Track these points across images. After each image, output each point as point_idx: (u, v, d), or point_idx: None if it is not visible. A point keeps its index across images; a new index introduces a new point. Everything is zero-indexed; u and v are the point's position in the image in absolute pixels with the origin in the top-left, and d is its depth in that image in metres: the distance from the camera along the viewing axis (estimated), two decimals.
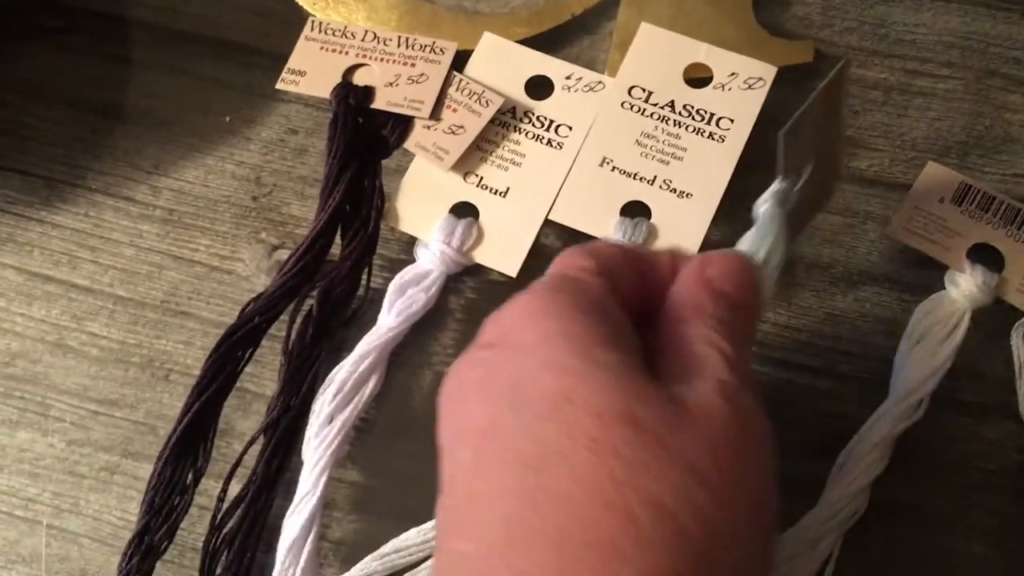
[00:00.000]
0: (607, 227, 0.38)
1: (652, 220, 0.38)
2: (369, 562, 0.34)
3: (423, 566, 0.34)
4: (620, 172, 0.39)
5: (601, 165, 0.39)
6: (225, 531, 0.34)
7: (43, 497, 0.38)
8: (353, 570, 0.34)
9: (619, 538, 0.23)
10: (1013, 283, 0.37)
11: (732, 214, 0.38)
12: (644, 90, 0.40)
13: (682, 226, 0.38)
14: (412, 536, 0.34)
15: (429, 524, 0.34)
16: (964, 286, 0.36)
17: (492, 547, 0.24)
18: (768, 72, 0.39)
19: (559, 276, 0.28)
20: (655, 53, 0.40)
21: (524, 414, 0.24)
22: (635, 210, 0.39)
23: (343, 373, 0.36)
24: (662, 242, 0.38)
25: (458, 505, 0.25)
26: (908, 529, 0.35)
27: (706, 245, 0.38)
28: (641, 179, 0.39)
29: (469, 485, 0.25)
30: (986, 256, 0.37)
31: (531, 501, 0.23)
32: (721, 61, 0.40)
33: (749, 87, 0.39)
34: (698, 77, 0.40)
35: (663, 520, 0.23)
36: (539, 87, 0.41)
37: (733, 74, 0.39)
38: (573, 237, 0.39)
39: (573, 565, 0.23)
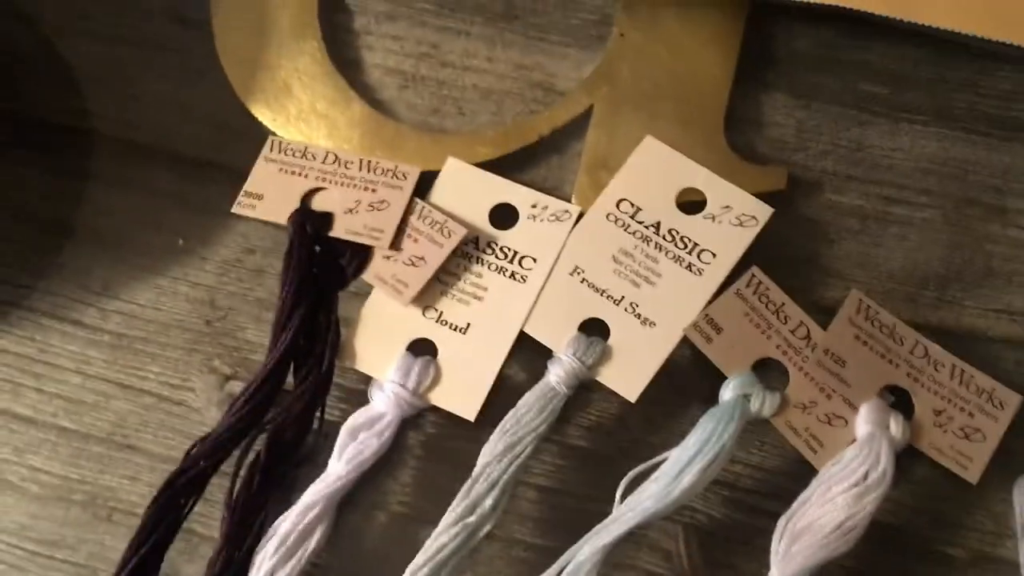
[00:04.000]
0: (561, 342, 0.37)
1: (609, 342, 0.37)
2: None
3: None
4: (588, 285, 0.38)
5: (572, 274, 0.38)
6: None
7: None
8: None
9: None
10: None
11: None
12: (633, 205, 0.38)
13: (637, 355, 0.37)
14: None
15: None
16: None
17: None
18: (763, 212, 0.38)
19: None
20: (653, 169, 0.39)
21: None
22: (594, 328, 0.37)
23: (287, 525, 0.34)
24: (613, 368, 0.37)
25: None
26: None
27: (655, 379, 0.37)
28: (608, 297, 0.37)
29: None
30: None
31: None
32: (718, 190, 0.38)
33: (740, 224, 0.38)
34: (691, 201, 0.39)
35: None
36: (504, 215, 0.40)
37: (727, 207, 0.38)
38: (536, 368, 0.38)
39: None
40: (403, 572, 0.34)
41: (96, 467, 0.38)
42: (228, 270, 0.41)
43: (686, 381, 0.38)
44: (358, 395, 0.38)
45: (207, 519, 0.37)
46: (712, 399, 0.37)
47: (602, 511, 0.36)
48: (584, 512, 0.37)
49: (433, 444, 0.38)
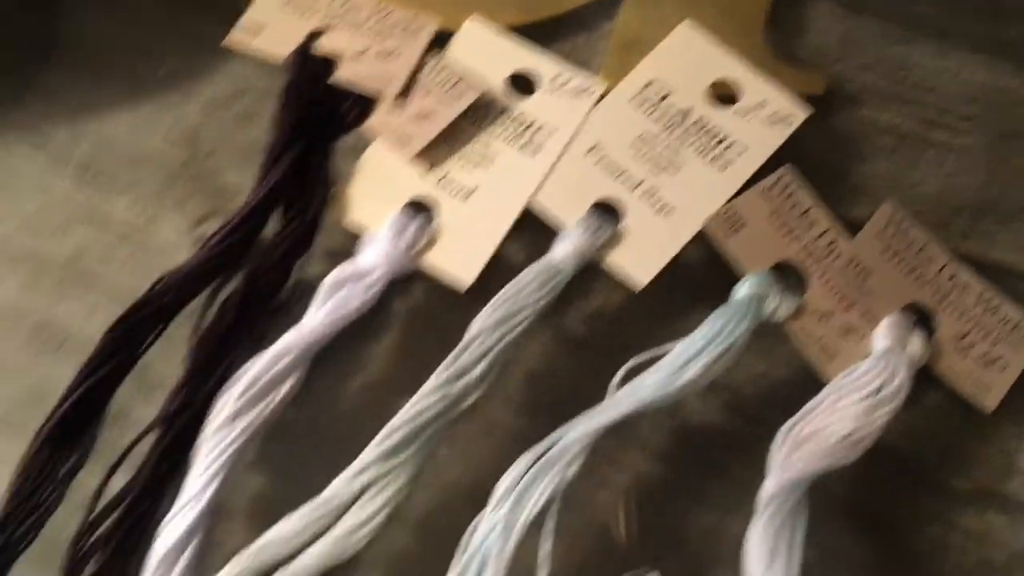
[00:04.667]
0: (572, 219, 0.34)
1: (621, 226, 0.34)
2: (237, 561, 0.29)
3: (295, 562, 0.30)
4: (605, 166, 0.35)
5: (588, 152, 0.35)
6: (100, 531, 0.30)
7: None
8: (224, 569, 0.30)
9: None
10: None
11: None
12: (661, 89, 0.36)
13: (649, 242, 0.34)
14: (282, 527, 0.30)
15: (300, 511, 0.30)
16: None
17: None
18: (799, 113, 0.35)
19: None
20: (687, 55, 0.37)
21: None
22: (606, 209, 0.35)
23: (256, 369, 0.31)
24: (623, 252, 0.34)
25: None
26: None
27: (661, 275, 0.34)
28: (625, 180, 0.35)
29: None
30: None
31: None
32: (754, 86, 0.36)
33: (773, 122, 0.35)
34: (724, 93, 0.36)
35: None
36: (523, 83, 0.37)
37: (762, 104, 0.35)
38: (537, 250, 0.35)
39: None
40: (374, 437, 0.31)
41: (50, 296, 0.35)
42: (215, 109, 0.38)
43: (694, 282, 0.36)
44: (340, 259, 0.35)
45: (167, 362, 0.34)
46: (720, 303, 0.35)
47: (592, 402, 0.34)
48: (573, 401, 0.34)
49: (421, 314, 0.35)
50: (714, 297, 0.35)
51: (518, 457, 0.31)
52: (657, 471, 0.34)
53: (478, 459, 0.34)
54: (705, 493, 0.34)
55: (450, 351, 0.34)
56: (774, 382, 0.35)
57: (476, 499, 0.33)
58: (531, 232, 0.36)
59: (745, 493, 0.33)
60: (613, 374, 0.33)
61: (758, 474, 0.33)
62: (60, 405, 0.31)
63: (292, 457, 0.33)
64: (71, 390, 0.31)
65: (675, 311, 0.36)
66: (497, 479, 0.32)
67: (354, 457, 0.31)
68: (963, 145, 0.38)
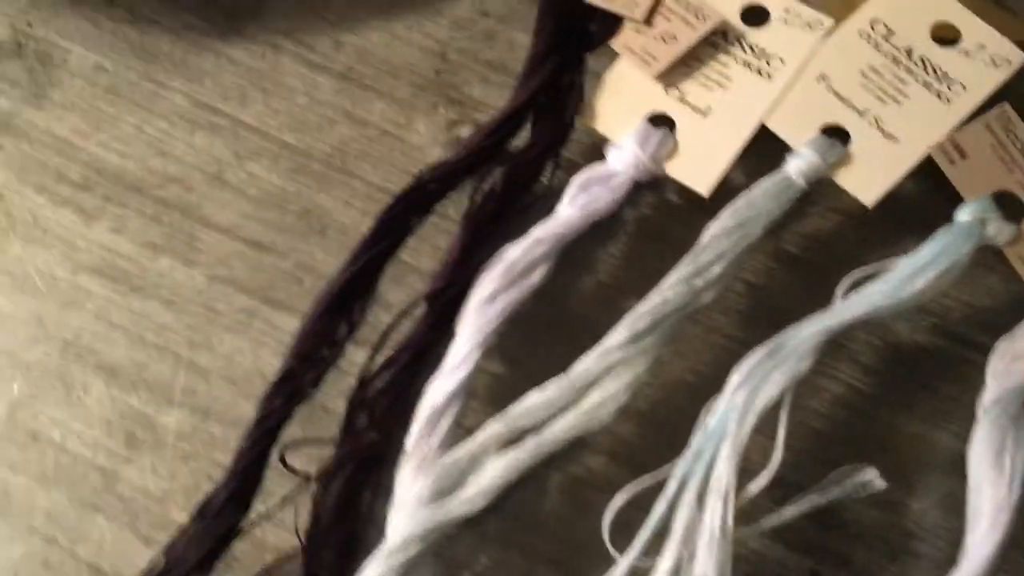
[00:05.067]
0: (801, 139, 0.36)
1: (849, 148, 0.37)
2: (494, 424, 0.32)
3: (545, 429, 0.33)
4: (834, 93, 0.37)
5: (818, 80, 0.37)
6: (372, 389, 0.33)
7: (176, 327, 0.36)
8: (478, 433, 0.32)
9: None
10: None
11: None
12: (886, 27, 0.38)
13: (876, 166, 0.36)
14: (535, 398, 0.33)
15: (551, 385, 0.33)
16: None
17: None
18: (1017, 56, 0.37)
19: None
20: None
21: None
22: (833, 134, 0.37)
23: (516, 252, 0.34)
24: (848, 174, 0.36)
25: None
26: None
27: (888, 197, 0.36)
28: (852, 107, 0.37)
29: None
30: None
31: None
32: (974, 29, 0.38)
33: (993, 64, 0.37)
34: (944, 35, 0.38)
35: None
36: (755, 15, 0.39)
37: (982, 46, 0.37)
38: (759, 174, 0.37)
39: None
40: (601, 333, 0.34)
41: (314, 184, 0.38)
42: (462, 27, 0.41)
43: (906, 212, 0.38)
44: (579, 166, 0.38)
45: (416, 252, 0.37)
46: (930, 230, 0.36)
47: (806, 314, 0.36)
48: (789, 312, 0.36)
49: (647, 223, 0.38)
50: (919, 225, 0.37)
51: (736, 360, 0.34)
52: (868, 383, 0.36)
53: (698, 360, 0.37)
54: (913, 406, 0.36)
55: (673, 256, 0.36)
56: (979, 308, 0.37)
57: (695, 394, 0.35)
58: (753, 157, 0.38)
59: (953, 407, 0.36)
60: (826, 289, 0.36)
61: (965, 391, 0.35)
62: (338, 279, 0.34)
63: (524, 345, 0.36)
64: (350, 264, 0.34)
65: (884, 238, 0.38)
66: (716, 379, 0.35)
67: (581, 348, 0.34)
68: None
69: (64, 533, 0.33)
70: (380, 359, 0.33)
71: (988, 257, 0.36)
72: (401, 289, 0.37)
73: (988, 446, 0.32)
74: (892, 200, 0.37)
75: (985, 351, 0.35)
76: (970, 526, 0.31)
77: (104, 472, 0.34)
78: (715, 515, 0.31)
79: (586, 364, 0.33)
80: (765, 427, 0.32)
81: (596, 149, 0.37)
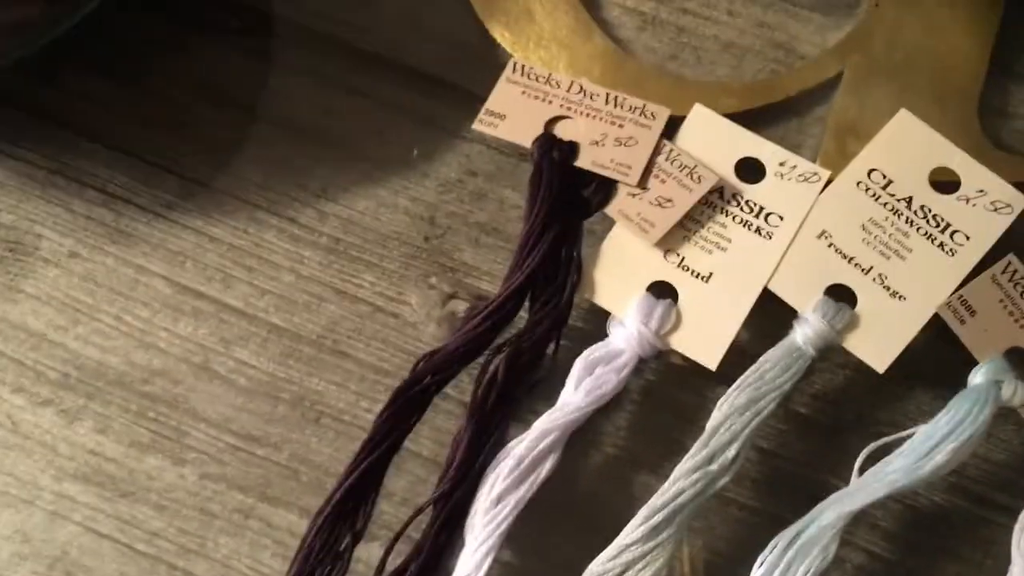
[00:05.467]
0: (806, 302, 0.36)
1: (856, 310, 0.36)
2: None
3: None
4: (836, 251, 0.36)
5: (819, 237, 0.37)
6: None
7: (168, 533, 0.35)
8: None
9: None
10: None
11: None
12: (884, 176, 0.37)
13: (886, 327, 0.36)
14: None
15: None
16: None
17: None
18: (1019, 200, 0.37)
19: None
20: (907, 143, 0.38)
21: None
22: (840, 294, 0.36)
23: (521, 449, 0.33)
24: (860, 336, 0.36)
25: None
26: None
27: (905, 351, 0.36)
28: (856, 265, 0.36)
29: None
30: None
31: None
32: (974, 174, 0.37)
33: (995, 210, 0.36)
34: (943, 181, 0.37)
35: None
36: (749, 170, 0.38)
37: (982, 191, 0.37)
38: (760, 330, 0.36)
39: None
40: (613, 512, 0.33)
41: (305, 369, 0.37)
42: (449, 189, 0.40)
43: (915, 365, 0.37)
44: (580, 334, 0.37)
45: (416, 436, 0.35)
46: (940, 385, 0.36)
47: (820, 480, 0.35)
48: (802, 479, 0.36)
49: (653, 391, 0.37)
50: (931, 378, 0.37)
51: (752, 531, 0.33)
52: (888, 549, 0.35)
53: (714, 535, 0.36)
54: (934, 573, 0.35)
55: (681, 425, 0.36)
56: (995, 463, 0.37)
57: (715, 572, 0.34)
58: (755, 313, 0.37)
59: (975, 572, 0.35)
60: (840, 450, 0.35)
61: (987, 556, 0.34)
62: (341, 485, 0.33)
63: (535, 529, 0.35)
64: (351, 469, 0.33)
65: (895, 393, 0.37)
66: (733, 555, 0.34)
67: (594, 529, 0.33)
68: None
69: None
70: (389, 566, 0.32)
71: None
72: (402, 478, 0.35)
73: None
74: (901, 352, 0.36)
75: (1003, 510, 0.35)
76: None
77: None
78: None
79: (602, 563, 0.32)
80: None
81: (596, 313, 0.36)
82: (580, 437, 0.36)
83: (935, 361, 0.36)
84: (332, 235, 0.39)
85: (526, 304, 0.36)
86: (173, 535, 0.35)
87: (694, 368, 0.36)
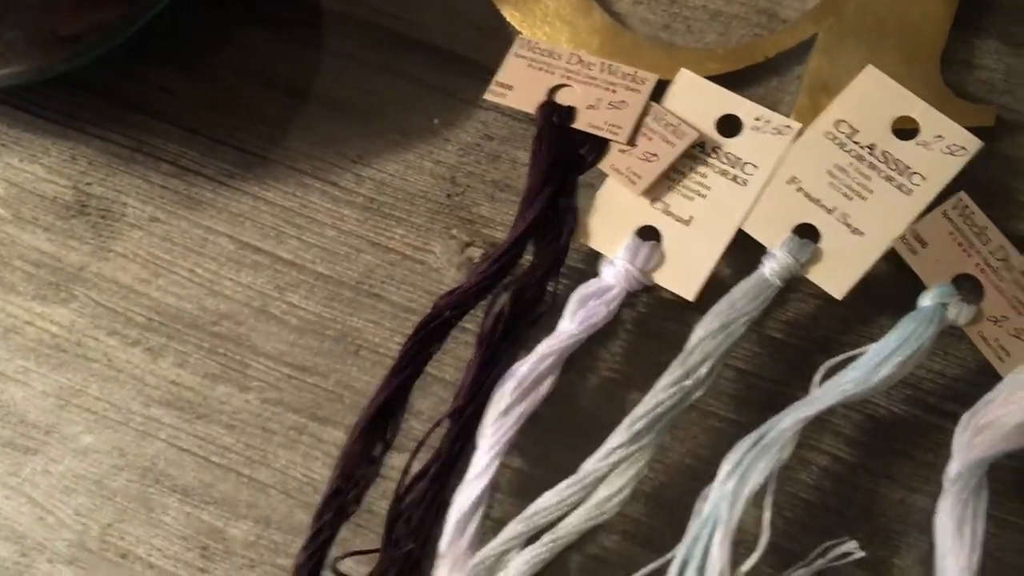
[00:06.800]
0: (776, 240, 0.41)
1: (819, 245, 0.41)
2: (515, 525, 0.37)
3: (560, 525, 0.37)
4: (804, 194, 0.41)
5: (789, 183, 0.41)
6: (407, 501, 0.38)
7: (237, 447, 0.42)
8: (501, 533, 0.37)
9: None
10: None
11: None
12: (850, 127, 0.42)
13: (845, 259, 0.40)
14: (549, 498, 0.37)
15: (563, 485, 0.37)
16: None
17: None
18: (973, 144, 0.41)
19: None
20: (872, 97, 0.42)
21: None
22: (807, 233, 0.41)
23: (524, 369, 0.39)
24: (821, 268, 0.40)
25: None
26: None
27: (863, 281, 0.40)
28: (821, 206, 0.41)
29: None
30: None
31: None
32: (932, 121, 0.42)
33: (951, 152, 0.41)
34: (905, 129, 0.42)
35: None
36: (728, 125, 0.43)
37: (939, 136, 0.41)
38: (741, 267, 0.41)
39: None
40: (608, 427, 0.38)
41: (346, 309, 0.43)
42: (468, 152, 0.46)
43: (880, 292, 0.42)
44: (578, 273, 0.43)
45: (440, 364, 0.42)
46: (903, 311, 0.40)
47: (792, 395, 0.40)
48: (776, 394, 0.41)
49: (644, 322, 0.43)
50: (893, 305, 0.41)
51: (730, 441, 0.38)
52: (850, 454, 0.40)
53: (696, 444, 0.41)
54: (892, 473, 0.40)
55: (669, 351, 0.41)
56: (950, 378, 0.41)
57: (696, 475, 0.40)
58: (736, 252, 0.42)
59: (929, 472, 0.40)
60: (810, 370, 0.40)
61: (939, 457, 0.39)
62: (373, 404, 0.39)
63: (541, 442, 0.41)
64: (382, 390, 0.39)
65: (862, 318, 0.42)
66: (713, 460, 0.39)
67: (592, 441, 0.38)
68: None
69: None
70: (413, 468, 0.39)
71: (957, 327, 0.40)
72: (428, 399, 0.42)
73: (951, 518, 0.36)
74: (867, 283, 0.41)
75: (954, 417, 0.39)
76: None
77: None
78: None
79: (592, 464, 0.38)
80: (760, 501, 0.36)
81: (593, 255, 0.42)
82: (580, 362, 0.42)
83: (899, 288, 0.41)
84: (367, 195, 0.45)
85: (531, 249, 0.42)
86: (241, 449, 0.42)
87: (680, 301, 0.41)
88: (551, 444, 0.41)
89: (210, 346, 0.43)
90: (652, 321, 0.42)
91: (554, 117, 0.42)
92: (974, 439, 0.37)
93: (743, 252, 0.41)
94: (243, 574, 0.40)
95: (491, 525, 0.39)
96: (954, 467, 0.37)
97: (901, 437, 0.40)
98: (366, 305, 0.43)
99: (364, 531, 0.40)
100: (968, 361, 0.41)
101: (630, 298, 0.42)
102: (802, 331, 0.42)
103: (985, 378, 0.39)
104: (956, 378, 0.41)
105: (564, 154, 0.42)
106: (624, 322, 0.42)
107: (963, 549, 0.35)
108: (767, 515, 0.36)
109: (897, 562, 0.39)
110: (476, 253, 0.43)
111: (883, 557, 0.39)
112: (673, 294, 0.41)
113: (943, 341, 0.41)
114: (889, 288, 0.42)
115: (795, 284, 0.41)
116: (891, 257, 0.41)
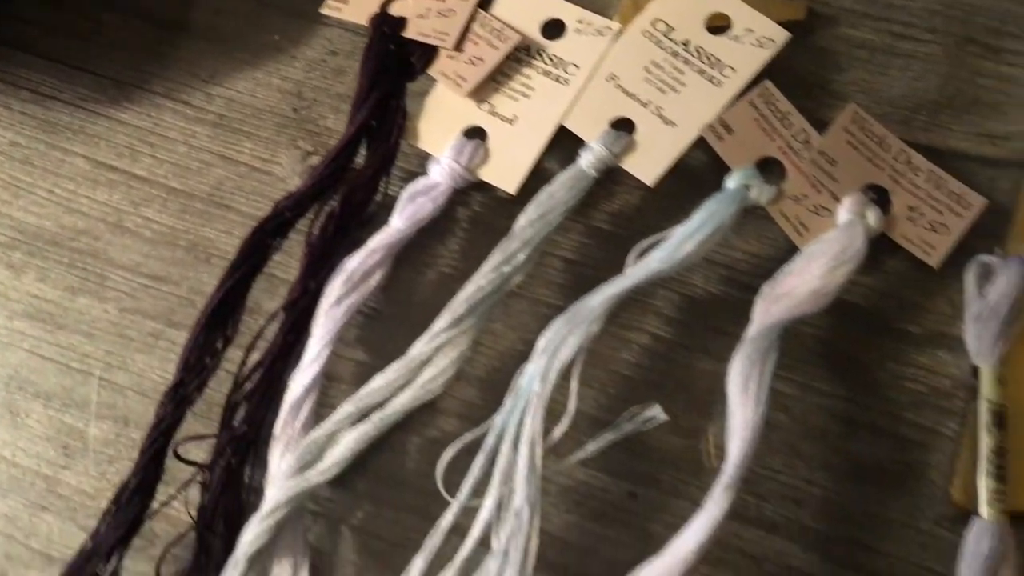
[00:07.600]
0: (594, 135, 0.43)
1: (634, 136, 0.43)
2: (345, 406, 0.40)
3: (388, 404, 0.40)
4: (621, 90, 0.43)
5: (608, 80, 0.44)
6: (245, 390, 0.40)
7: (96, 354, 0.44)
8: (332, 415, 0.39)
9: None
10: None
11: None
12: (666, 24, 0.44)
13: (656, 149, 0.43)
14: (379, 380, 0.40)
15: (391, 368, 0.40)
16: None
17: None
18: (781, 36, 0.43)
19: None
20: None
21: None
22: (623, 126, 0.43)
23: (353, 263, 0.41)
24: (635, 158, 0.43)
25: None
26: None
27: (673, 175, 0.43)
28: (637, 100, 0.43)
29: None
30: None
31: None
32: (742, 15, 0.44)
33: (760, 45, 0.43)
34: (719, 26, 0.44)
35: None
36: (553, 28, 0.45)
37: (750, 30, 0.43)
38: (569, 162, 0.44)
39: None
40: None
41: (198, 221, 0.46)
42: (314, 68, 0.48)
43: (699, 181, 0.44)
44: (415, 177, 0.45)
45: (287, 267, 0.44)
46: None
47: None
48: (600, 281, 0.43)
49: (478, 219, 0.45)
50: (711, 193, 0.43)
51: None
52: (669, 332, 0.43)
53: (526, 330, 0.43)
54: (708, 347, 0.42)
55: None
56: (763, 259, 0.43)
57: (526, 360, 0.42)
58: (564, 149, 0.44)
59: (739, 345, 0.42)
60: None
61: None
62: (212, 300, 0.41)
63: (381, 335, 0.43)
64: (220, 287, 0.41)
65: (681, 206, 0.44)
66: None
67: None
68: (926, 53, 0.45)
69: (19, 531, 0.41)
70: (251, 361, 0.41)
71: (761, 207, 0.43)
72: (275, 300, 0.44)
73: (739, 374, 0.38)
74: (687, 174, 0.43)
75: None
76: (730, 438, 0.37)
77: (47, 479, 0.42)
78: (526, 458, 0.38)
79: (418, 347, 0.40)
80: (586, 379, 0.39)
81: (423, 156, 0.44)
82: (418, 259, 0.44)
83: (716, 180, 0.43)
84: (217, 112, 0.47)
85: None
86: (100, 356, 0.44)
87: (512, 199, 0.44)
88: (391, 337, 0.43)
89: (69, 261, 0.45)
90: (487, 219, 0.45)
91: (384, 27, 0.45)
92: (771, 307, 0.39)
93: (571, 149, 0.44)
94: (103, 468, 0.42)
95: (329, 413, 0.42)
96: (751, 331, 0.39)
97: (716, 314, 0.43)
98: (216, 216, 0.46)
99: (208, 421, 0.42)
100: (780, 242, 0.43)
101: (464, 196, 0.44)
102: (626, 221, 0.44)
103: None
104: (768, 258, 0.43)
105: (394, 61, 0.44)
106: (460, 220, 0.45)
107: (748, 402, 0.37)
108: (574, 384, 0.38)
109: (711, 427, 0.41)
110: (317, 161, 0.45)
111: (697, 424, 0.41)
112: (506, 192, 0.43)
113: (757, 224, 0.43)
114: (709, 178, 0.44)
115: (620, 177, 0.44)
116: (709, 149, 0.43)
